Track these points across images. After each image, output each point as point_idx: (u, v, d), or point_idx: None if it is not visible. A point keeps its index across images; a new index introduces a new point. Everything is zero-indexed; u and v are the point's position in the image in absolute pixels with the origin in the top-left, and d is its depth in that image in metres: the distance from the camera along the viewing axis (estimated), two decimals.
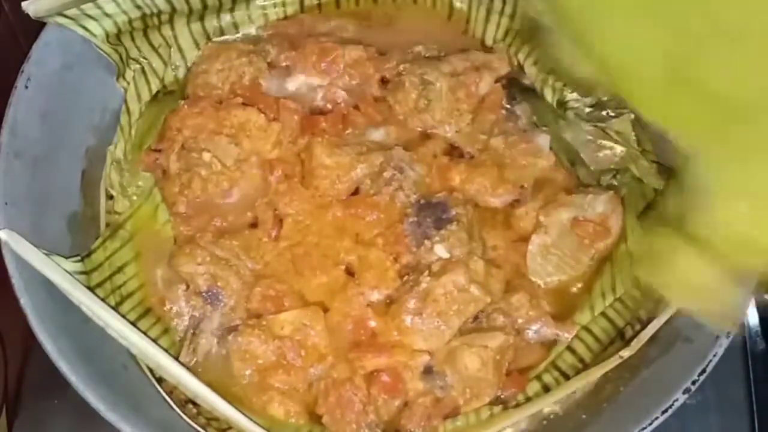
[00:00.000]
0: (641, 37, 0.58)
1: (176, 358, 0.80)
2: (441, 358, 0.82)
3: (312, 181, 0.89)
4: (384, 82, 0.97)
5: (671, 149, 0.92)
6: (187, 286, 0.86)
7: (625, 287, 0.87)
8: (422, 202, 0.88)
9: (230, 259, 0.86)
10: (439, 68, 0.94)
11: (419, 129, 0.94)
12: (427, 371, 0.82)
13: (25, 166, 0.82)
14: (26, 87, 0.83)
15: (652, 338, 0.82)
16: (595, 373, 0.82)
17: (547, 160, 0.93)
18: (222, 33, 0.99)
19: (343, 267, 0.86)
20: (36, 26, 0.85)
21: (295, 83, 0.96)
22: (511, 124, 0.95)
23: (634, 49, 0.59)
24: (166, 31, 0.95)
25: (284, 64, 0.96)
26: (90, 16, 0.87)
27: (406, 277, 0.85)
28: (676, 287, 0.70)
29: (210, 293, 0.85)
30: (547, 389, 0.83)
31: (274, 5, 1.00)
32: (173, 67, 0.97)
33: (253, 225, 0.89)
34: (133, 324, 0.79)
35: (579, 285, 0.89)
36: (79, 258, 0.83)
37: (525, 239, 0.88)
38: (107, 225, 0.90)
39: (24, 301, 0.75)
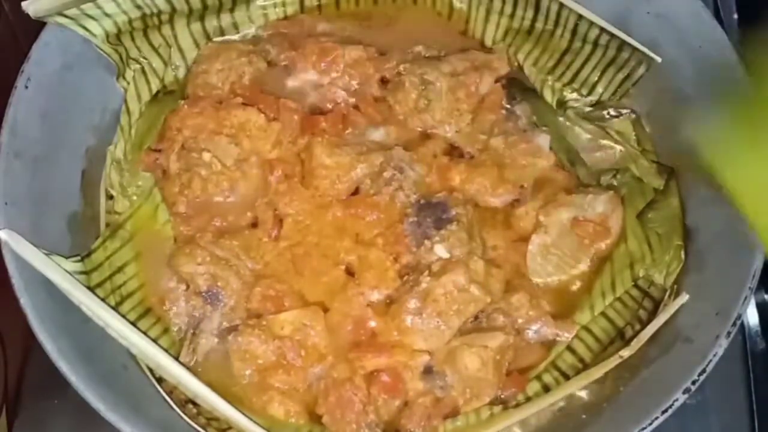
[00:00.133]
0: None
1: (176, 358, 0.80)
2: (441, 358, 0.82)
3: (312, 181, 0.89)
4: (384, 82, 0.97)
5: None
6: (187, 286, 0.86)
7: (625, 287, 0.87)
8: (422, 202, 0.88)
9: (230, 259, 0.86)
10: (439, 68, 0.94)
11: (419, 129, 0.94)
12: (427, 371, 0.82)
13: (25, 166, 0.82)
14: (26, 87, 0.83)
15: (652, 338, 0.82)
16: (595, 373, 0.82)
17: (547, 160, 0.93)
18: (222, 33, 0.99)
19: (343, 267, 0.86)
20: (36, 26, 0.85)
21: (295, 83, 0.96)
22: (511, 124, 0.95)
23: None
24: (166, 31, 0.95)
25: (284, 64, 0.96)
26: (90, 16, 0.87)
27: (406, 277, 0.85)
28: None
29: (210, 293, 0.85)
30: (547, 389, 0.83)
31: (274, 5, 1.01)
32: (173, 67, 0.97)
33: (253, 225, 0.89)
34: (133, 324, 0.79)
35: (579, 285, 0.89)
36: (79, 258, 0.83)
37: (525, 239, 0.88)
38: (107, 225, 0.90)
39: (24, 301, 0.74)
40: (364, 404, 0.80)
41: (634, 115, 0.96)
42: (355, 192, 0.89)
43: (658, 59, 0.91)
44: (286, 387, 0.82)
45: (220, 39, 0.99)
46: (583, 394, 0.83)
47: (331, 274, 0.85)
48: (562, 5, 0.92)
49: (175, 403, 0.81)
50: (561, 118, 0.96)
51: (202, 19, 0.97)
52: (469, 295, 0.82)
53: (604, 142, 0.95)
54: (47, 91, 0.85)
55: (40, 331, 0.74)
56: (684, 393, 0.73)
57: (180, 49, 0.97)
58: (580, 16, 0.92)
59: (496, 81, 0.96)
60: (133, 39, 0.93)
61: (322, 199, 0.88)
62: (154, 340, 0.80)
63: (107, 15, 0.88)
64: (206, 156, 0.89)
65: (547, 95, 0.97)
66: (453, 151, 0.94)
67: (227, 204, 0.90)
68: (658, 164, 0.93)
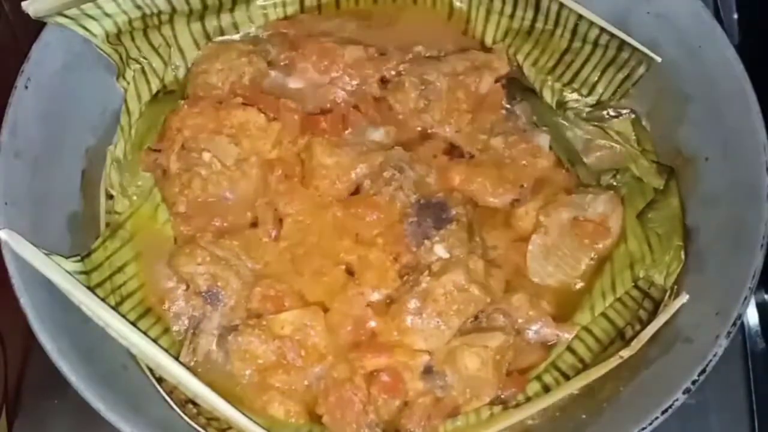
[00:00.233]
0: None
1: (176, 358, 0.80)
2: (441, 358, 0.82)
3: (312, 181, 0.89)
4: (384, 82, 0.97)
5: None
6: (187, 286, 0.86)
7: (625, 287, 0.87)
8: (422, 202, 0.88)
9: (230, 259, 0.86)
10: (439, 68, 0.94)
11: (419, 129, 0.94)
12: (427, 371, 0.82)
13: (25, 166, 0.82)
14: (26, 87, 0.83)
15: (652, 338, 0.82)
16: (595, 374, 0.82)
17: (547, 160, 0.93)
18: (222, 33, 0.99)
19: (343, 267, 0.86)
20: (36, 26, 0.85)
21: (295, 83, 0.96)
22: (511, 124, 0.95)
23: None
24: (166, 31, 0.95)
25: (284, 64, 0.96)
26: (90, 16, 0.87)
27: (406, 277, 0.85)
28: None
29: (210, 293, 0.85)
30: (547, 389, 0.83)
31: (274, 5, 1.00)
32: (173, 67, 0.97)
33: (253, 225, 0.89)
34: (133, 324, 0.79)
35: (579, 285, 0.89)
36: (79, 258, 0.83)
37: (525, 239, 0.88)
38: (107, 225, 0.90)
39: (24, 301, 0.75)
40: (364, 404, 0.80)
41: (634, 115, 0.96)
42: (355, 192, 0.89)
43: (658, 59, 0.91)
44: (286, 387, 0.82)
45: (220, 39, 0.99)
46: (584, 394, 0.83)
47: (331, 274, 0.85)
48: (562, 5, 0.92)
49: (175, 403, 0.81)
50: (561, 118, 0.96)
51: (202, 19, 0.97)
52: (469, 295, 0.82)
53: (604, 142, 0.95)
54: (47, 91, 0.85)
55: (40, 331, 0.74)
56: (684, 393, 0.73)
57: (180, 49, 0.97)
58: (580, 16, 0.92)
59: (496, 81, 0.96)
60: (133, 39, 0.93)
61: (322, 199, 0.88)
62: (154, 340, 0.80)
63: (107, 15, 0.88)
64: (206, 156, 0.89)
65: (547, 95, 0.97)
66: (453, 151, 0.94)
67: (227, 204, 0.90)
68: (658, 164, 0.93)
